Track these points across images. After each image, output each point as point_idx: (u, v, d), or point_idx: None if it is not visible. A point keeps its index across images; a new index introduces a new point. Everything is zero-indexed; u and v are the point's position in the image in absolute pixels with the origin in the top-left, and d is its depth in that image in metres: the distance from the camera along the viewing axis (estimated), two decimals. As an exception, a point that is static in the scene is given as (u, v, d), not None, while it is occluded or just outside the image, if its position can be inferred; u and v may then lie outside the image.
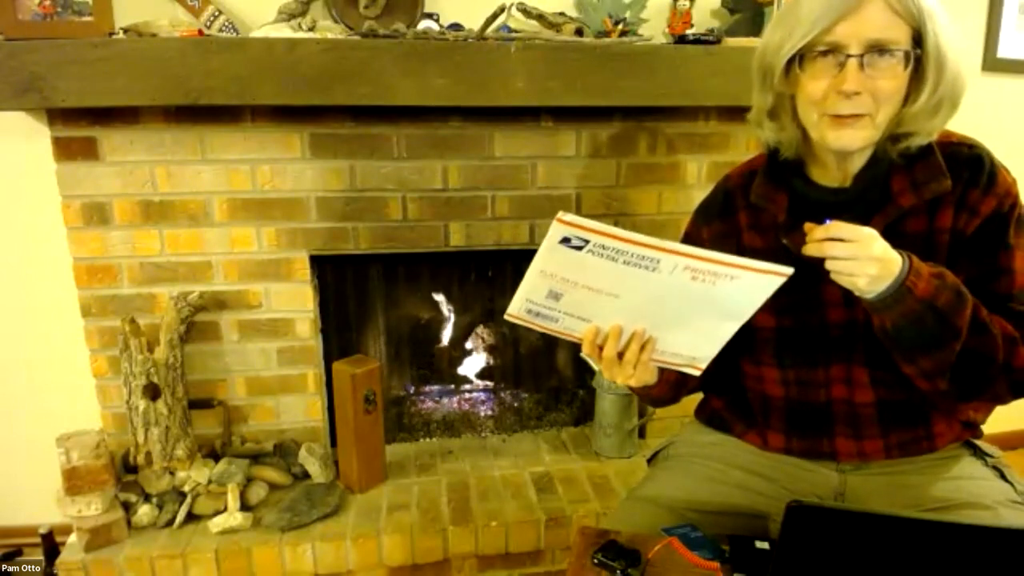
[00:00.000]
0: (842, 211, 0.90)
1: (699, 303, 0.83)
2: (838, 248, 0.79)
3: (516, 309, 0.89)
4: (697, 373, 0.90)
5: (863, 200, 0.92)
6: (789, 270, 0.78)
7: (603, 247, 0.81)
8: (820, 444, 1.02)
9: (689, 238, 1.11)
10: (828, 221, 0.81)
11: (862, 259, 0.79)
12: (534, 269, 0.85)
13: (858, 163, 0.92)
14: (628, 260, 0.81)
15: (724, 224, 1.05)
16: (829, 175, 0.95)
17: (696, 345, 0.88)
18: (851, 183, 0.93)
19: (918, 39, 0.84)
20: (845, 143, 0.87)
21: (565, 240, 0.81)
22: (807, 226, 0.83)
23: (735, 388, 1.11)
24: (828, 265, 0.81)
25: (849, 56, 0.83)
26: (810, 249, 0.81)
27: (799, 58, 0.87)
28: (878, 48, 0.82)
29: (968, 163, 0.90)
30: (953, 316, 0.82)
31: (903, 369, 0.89)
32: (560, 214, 0.81)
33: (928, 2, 0.83)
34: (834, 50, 0.84)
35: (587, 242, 0.81)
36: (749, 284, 0.80)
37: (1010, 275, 0.89)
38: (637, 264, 0.81)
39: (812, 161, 0.97)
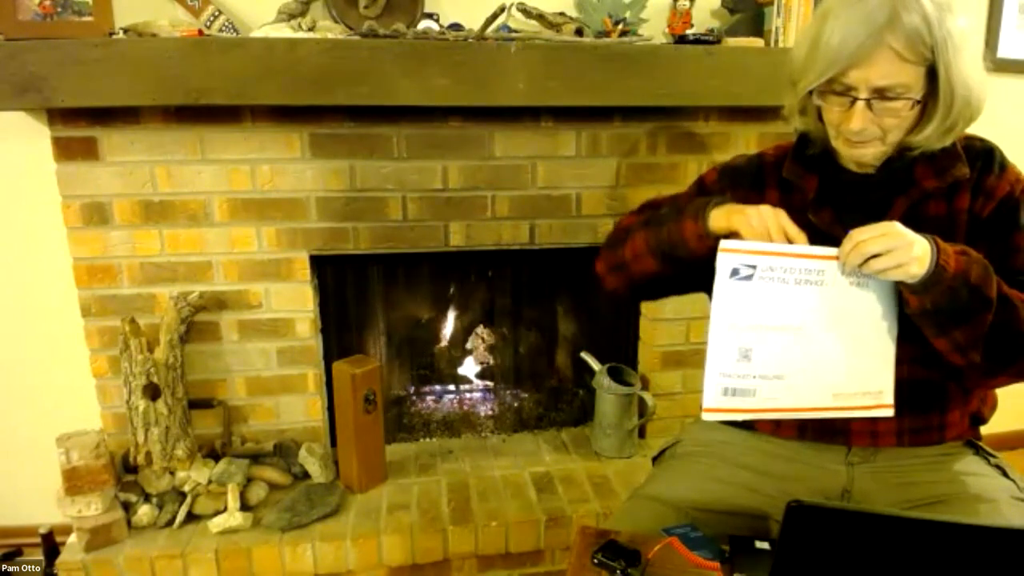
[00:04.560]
0: (868, 192, 0.97)
1: (864, 312, 0.88)
2: (876, 243, 0.82)
3: (712, 399, 0.87)
4: (891, 413, 0.92)
5: (888, 183, 0.97)
6: None
7: (771, 268, 0.85)
8: (834, 423, 1.02)
9: (708, 193, 1.11)
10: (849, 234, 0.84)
11: (902, 245, 0.82)
12: (719, 328, 0.86)
13: (878, 161, 0.97)
14: (799, 278, 0.86)
15: (751, 195, 1.07)
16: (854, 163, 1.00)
17: (873, 369, 0.90)
18: (875, 171, 0.98)
19: (933, 70, 0.87)
20: (857, 158, 0.96)
21: (735, 273, 0.84)
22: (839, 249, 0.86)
23: None
24: (875, 265, 0.83)
25: (857, 99, 0.88)
26: (852, 259, 0.83)
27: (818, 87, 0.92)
28: (884, 93, 0.87)
29: (981, 154, 0.97)
30: (985, 287, 0.86)
31: (936, 344, 0.91)
32: (721, 243, 0.84)
33: (942, 33, 0.85)
34: (845, 91, 0.89)
35: (754, 268, 0.84)
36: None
37: (1023, 253, 0.95)
38: (807, 280, 0.85)
39: (838, 152, 1.00)
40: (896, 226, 0.83)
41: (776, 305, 0.86)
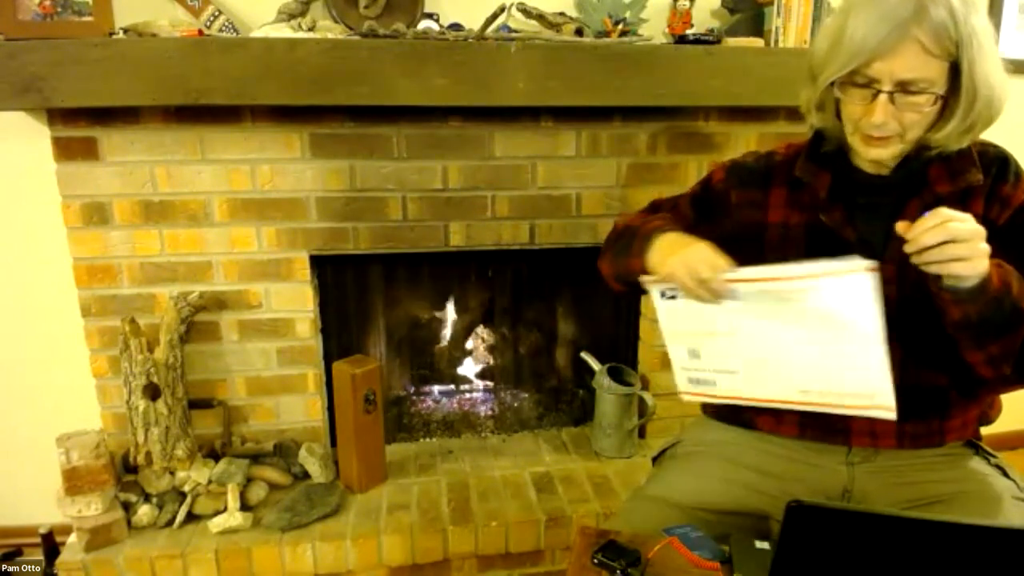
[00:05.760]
0: (881, 193, 0.97)
1: (812, 324, 0.87)
2: (960, 228, 0.77)
3: (682, 385, 1.00)
4: (892, 416, 0.86)
5: (901, 185, 0.96)
6: (872, 262, 0.80)
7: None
8: (835, 423, 1.02)
9: (712, 191, 1.13)
10: (927, 214, 0.79)
11: (979, 236, 0.79)
12: (666, 335, 0.98)
13: (894, 162, 0.96)
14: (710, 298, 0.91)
15: (757, 194, 1.07)
16: (866, 166, 0.99)
17: (866, 378, 0.88)
18: (889, 172, 0.97)
19: (956, 66, 0.86)
20: (875, 157, 0.94)
21: (663, 295, 0.96)
22: (900, 226, 0.81)
23: None
24: (947, 252, 0.78)
25: (880, 92, 0.87)
26: (933, 235, 0.78)
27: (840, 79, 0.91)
28: (908, 86, 0.86)
29: (996, 160, 0.96)
30: (1021, 300, 0.85)
31: (970, 357, 0.90)
32: (641, 279, 0.98)
33: (967, 29, 0.85)
34: (868, 83, 0.88)
35: (676, 290, 0.94)
36: (840, 291, 0.83)
37: None
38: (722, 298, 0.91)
39: (853, 152, 0.99)
40: (974, 220, 0.79)
41: (703, 316, 0.93)
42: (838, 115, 0.97)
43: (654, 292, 0.96)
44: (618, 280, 1.10)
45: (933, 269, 0.80)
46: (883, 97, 0.87)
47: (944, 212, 0.79)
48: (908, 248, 0.80)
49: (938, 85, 0.87)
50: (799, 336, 0.88)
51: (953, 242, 0.78)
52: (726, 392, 0.96)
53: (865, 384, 0.88)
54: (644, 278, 0.97)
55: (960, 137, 0.91)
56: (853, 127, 0.94)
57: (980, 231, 0.79)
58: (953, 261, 0.79)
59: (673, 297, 0.94)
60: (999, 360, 0.89)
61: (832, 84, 0.92)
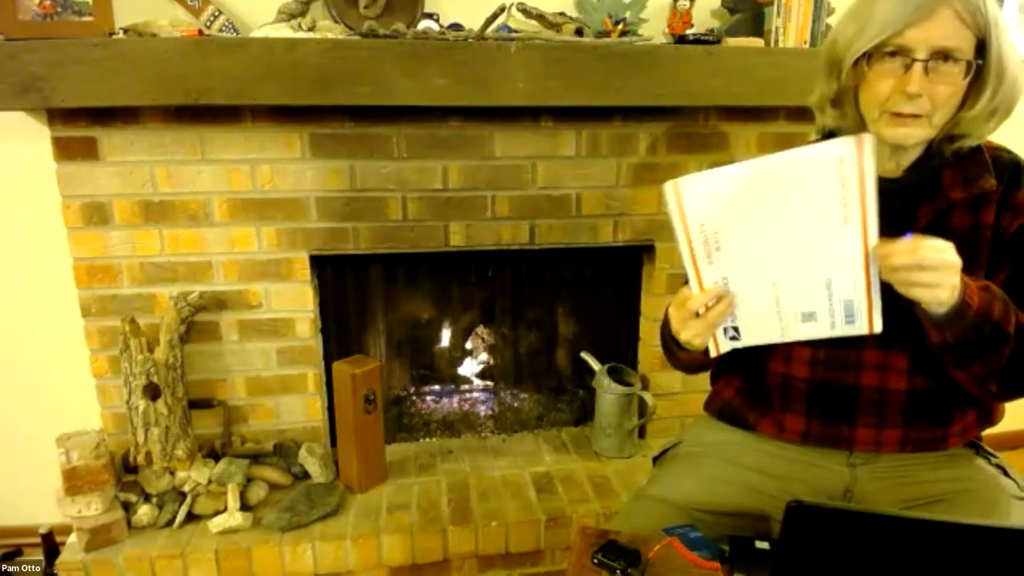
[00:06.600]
0: (893, 198, 0.93)
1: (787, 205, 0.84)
2: (930, 256, 0.79)
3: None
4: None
5: (913, 189, 0.95)
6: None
7: (725, 279, 0.90)
8: (840, 430, 1.02)
9: None
10: (908, 235, 0.81)
11: (948, 267, 0.80)
12: (784, 334, 0.92)
13: (911, 156, 0.95)
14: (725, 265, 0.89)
15: None
16: (882, 165, 0.97)
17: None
18: (902, 174, 0.96)
19: (981, 47, 0.86)
20: (901, 139, 0.91)
21: (729, 338, 0.95)
22: (878, 244, 0.82)
23: (752, 370, 1.11)
24: (913, 277, 0.80)
25: (915, 60, 0.86)
26: (901, 257, 0.79)
27: (867, 56, 0.90)
28: (943, 55, 0.86)
29: (1009, 167, 0.94)
30: (1005, 324, 0.86)
31: (955, 376, 0.92)
32: (709, 353, 0.96)
33: (993, 11, 0.86)
34: (901, 52, 0.87)
35: (735, 327, 0.93)
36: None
37: None
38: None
39: None
40: (952, 250, 0.80)
41: (747, 294, 0.90)
42: (856, 105, 0.95)
43: (724, 348, 0.95)
44: (698, 370, 1.11)
45: (899, 288, 0.82)
46: (918, 66, 0.86)
47: (921, 238, 0.80)
48: (879, 262, 0.82)
49: (969, 56, 0.86)
50: (785, 243, 0.86)
51: (920, 268, 0.79)
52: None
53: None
54: (709, 350, 0.96)
55: (985, 122, 0.90)
56: (879, 110, 0.91)
57: (953, 263, 0.79)
58: (916, 286, 0.80)
59: (735, 336, 0.94)
60: (983, 379, 0.90)
61: (856, 65, 0.90)
